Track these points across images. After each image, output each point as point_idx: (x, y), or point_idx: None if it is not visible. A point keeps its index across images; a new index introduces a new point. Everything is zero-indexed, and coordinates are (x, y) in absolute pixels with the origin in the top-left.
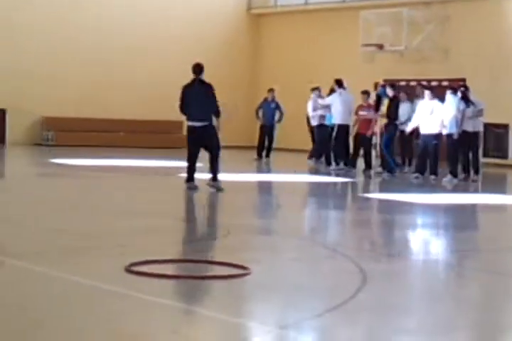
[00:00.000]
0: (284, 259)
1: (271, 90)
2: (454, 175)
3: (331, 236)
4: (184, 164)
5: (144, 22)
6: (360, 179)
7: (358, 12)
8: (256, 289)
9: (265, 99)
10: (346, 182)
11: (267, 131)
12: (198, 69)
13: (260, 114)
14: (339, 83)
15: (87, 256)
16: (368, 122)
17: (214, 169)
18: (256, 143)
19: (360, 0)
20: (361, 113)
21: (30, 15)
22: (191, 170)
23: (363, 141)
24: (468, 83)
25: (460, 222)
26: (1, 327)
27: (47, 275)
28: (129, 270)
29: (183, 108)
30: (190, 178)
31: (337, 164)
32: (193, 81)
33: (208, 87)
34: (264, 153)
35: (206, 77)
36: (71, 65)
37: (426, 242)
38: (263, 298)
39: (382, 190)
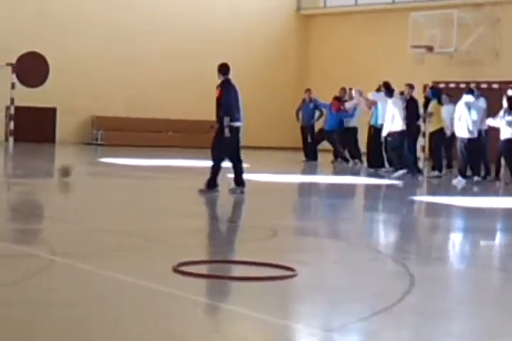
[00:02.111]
0: (330, 261)
1: (307, 91)
2: (463, 175)
3: (377, 239)
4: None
5: (193, 22)
6: (408, 181)
7: (407, 13)
8: (302, 291)
9: (303, 100)
10: (392, 185)
11: (307, 132)
12: (228, 69)
13: (300, 115)
14: (387, 86)
15: (135, 255)
16: None
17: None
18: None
19: (410, 1)
20: None
21: (82, 17)
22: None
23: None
24: None
25: (506, 226)
26: (49, 326)
27: (94, 274)
28: (176, 270)
29: (231, 108)
30: (243, 182)
31: (390, 166)
32: (229, 81)
33: (236, 88)
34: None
35: (253, 77)
36: (121, 64)
37: (473, 246)
38: (309, 300)
39: (429, 192)
